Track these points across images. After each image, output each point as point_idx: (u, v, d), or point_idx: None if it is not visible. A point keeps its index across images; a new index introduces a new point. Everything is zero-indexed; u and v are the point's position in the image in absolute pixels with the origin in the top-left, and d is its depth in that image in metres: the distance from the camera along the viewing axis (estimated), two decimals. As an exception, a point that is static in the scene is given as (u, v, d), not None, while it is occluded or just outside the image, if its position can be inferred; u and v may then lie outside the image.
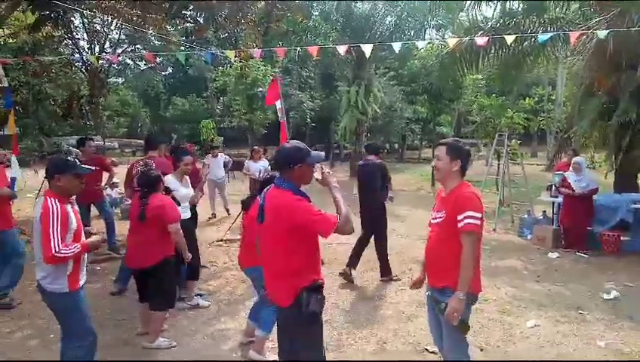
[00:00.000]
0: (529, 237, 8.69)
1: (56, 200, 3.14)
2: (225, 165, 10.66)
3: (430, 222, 3.25)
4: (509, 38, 6.74)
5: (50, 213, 3.05)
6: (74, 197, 3.38)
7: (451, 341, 3.09)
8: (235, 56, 10.71)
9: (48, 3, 7.13)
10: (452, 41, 7.91)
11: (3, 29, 10.13)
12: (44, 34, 10.34)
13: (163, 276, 4.20)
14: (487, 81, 18.33)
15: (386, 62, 24.89)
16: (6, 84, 6.95)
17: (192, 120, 29.98)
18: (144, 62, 37.65)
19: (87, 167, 3.47)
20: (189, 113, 30.95)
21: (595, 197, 7.79)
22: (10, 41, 11.76)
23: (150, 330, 4.31)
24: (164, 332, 4.44)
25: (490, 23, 10.47)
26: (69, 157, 3.47)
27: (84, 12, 10.46)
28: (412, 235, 8.64)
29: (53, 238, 3.01)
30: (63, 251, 3.03)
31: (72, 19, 12.24)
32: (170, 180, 4.96)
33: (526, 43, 9.80)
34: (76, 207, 3.38)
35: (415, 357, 4.19)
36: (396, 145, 34.50)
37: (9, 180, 5.39)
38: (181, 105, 31.46)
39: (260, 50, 8.61)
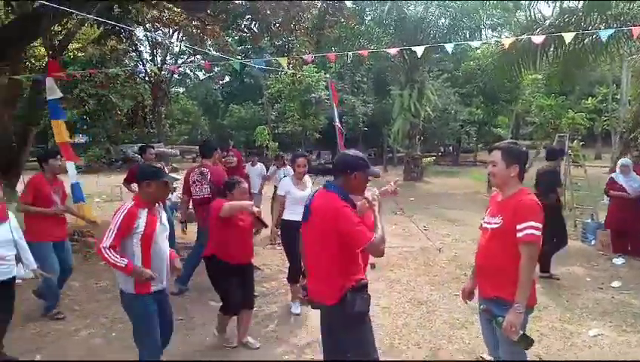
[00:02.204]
0: (593, 242, 8.30)
1: (135, 203, 3.31)
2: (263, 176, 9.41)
3: (483, 226, 3.09)
4: (568, 36, 6.49)
5: (119, 211, 3.25)
6: (159, 204, 3.51)
7: (508, 351, 2.98)
8: (289, 64, 10.90)
9: (110, 19, 7.56)
10: (508, 41, 7.71)
11: (73, 43, 10.84)
12: (110, 47, 11.00)
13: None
14: (547, 81, 17.65)
15: (439, 65, 24.55)
16: (54, 97, 7.27)
17: (248, 127, 30.68)
18: (203, 72, 39.11)
19: (173, 175, 3.71)
20: (245, 120, 31.69)
21: None
22: (80, 54, 12.58)
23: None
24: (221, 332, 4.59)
25: (548, 21, 10.13)
26: (157, 165, 3.70)
27: (147, 25, 11.00)
28: (467, 240, 8.47)
29: (108, 234, 3.18)
30: (109, 252, 3.14)
31: (135, 32, 12.90)
32: (286, 182, 5.27)
33: (587, 40, 9.41)
34: (164, 214, 3.54)
35: (469, 365, 4.13)
36: (451, 148, 33.83)
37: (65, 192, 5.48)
38: (237, 112, 32.25)
39: (312, 55, 8.72)
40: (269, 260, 7.44)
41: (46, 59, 10.28)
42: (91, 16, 7.05)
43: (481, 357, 4.19)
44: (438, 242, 8.43)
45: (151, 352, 3.39)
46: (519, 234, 2.76)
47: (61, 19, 8.51)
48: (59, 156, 5.31)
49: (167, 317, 3.57)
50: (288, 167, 9.01)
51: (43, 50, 10.86)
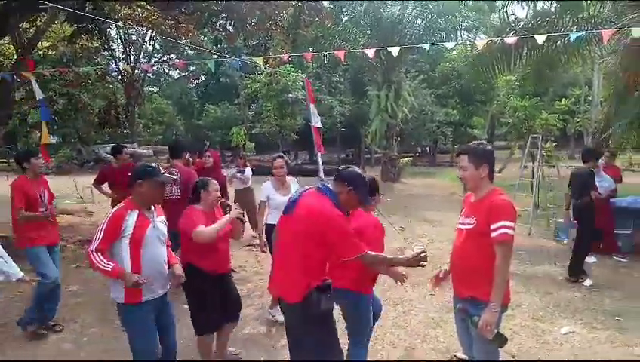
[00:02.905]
0: (565, 241, 8.44)
1: (125, 205, 3.18)
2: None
3: (458, 228, 3.12)
4: (540, 38, 6.59)
5: (109, 215, 3.12)
6: (153, 207, 3.35)
7: (482, 350, 3.01)
8: (265, 63, 10.82)
9: (83, 16, 7.38)
10: (482, 42, 7.80)
11: (42, 41, 10.55)
12: (81, 45, 10.73)
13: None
14: (521, 82, 17.95)
15: (416, 66, 24.79)
16: (41, 97, 7.18)
17: (224, 127, 30.44)
18: (178, 71, 38.65)
19: (168, 175, 3.45)
20: (221, 120, 31.41)
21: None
22: (50, 52, 12.25)
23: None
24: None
25: (521, 23, 10.29)
26: (152, 165, 3.49)
27: (119, 23, 10.77)
28: (444, 240, 8.52)
29: (95, 239, 3.06)
30: (97, 256, 3.03)
31: (108, 30, 12.64)
32: (266, 186, 5.00)
33: (559, 42, 9.58)
34: (161, 218, 3.39)
35: (444, 364, 4.13)
36: (428, 149, 34.16)
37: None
38: (213, 112, 31.96)
39: (289, 55, 8.67)
40: (244, 261, 7.37)
41: (15, 57, 9.98)
42: (64, 8, 6.84)
43: (454, 356, 4.21)
44: (415, 243, 8.46)
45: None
46: (493, 234, 2.77)
47: (30, 16, 8.26)
48: (40, 155, 5.00)
49: (168, 326, 3.43)
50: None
51: (12, 47, 10.54)
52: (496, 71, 11.32)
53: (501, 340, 2.83)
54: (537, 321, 4.99)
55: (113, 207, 3.42)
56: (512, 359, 4.17)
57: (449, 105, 27.12)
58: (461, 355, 4.06)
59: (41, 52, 11.81)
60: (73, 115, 13.77)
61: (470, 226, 2.94)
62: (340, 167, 3.08)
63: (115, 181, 6.60)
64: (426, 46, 7.04)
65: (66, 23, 9.64)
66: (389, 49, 6.99)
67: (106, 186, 6.85)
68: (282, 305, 2.97)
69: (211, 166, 7.23)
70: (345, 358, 3.11)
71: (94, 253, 3.02)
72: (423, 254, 2.98)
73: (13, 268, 3.58)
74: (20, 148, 19.19)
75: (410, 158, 22.75)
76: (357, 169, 3.07)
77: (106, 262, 3.02)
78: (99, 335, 4.72)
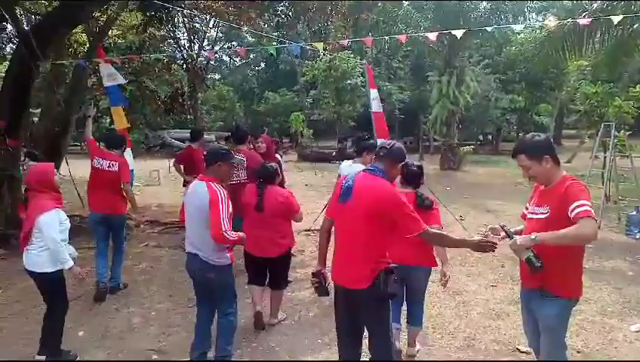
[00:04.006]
0: (638, 236, 7.96)
1: (219, 184, 3.54)
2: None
3: (528, 217, 2.97)
4: (616, 19, 6.16)
5: (220, 197, 3.42)
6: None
7: (549, 343, 2.91)
8: (324, 49, 10.81)
9: (154, 4, 7.64)
10: (553, 23, 7.40)
11: (112, 30, 11.05)
12: (149, 34, 11.15)
13: (287, 262, 4.67)
14: (593, 68, 16.89)
15: (480, 50, 23.87)
16: (122, 81, 7.55)
17: (282, 113, 30.78)
18: (239, 59, 39.41)
19: (239, 157, 3.89)
20: (279, 106, 31.76)
21: None
22: (119, 41, 12.82)
23: (273, 308, 4.62)
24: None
25: (595, 4, 9.67)
26: (226, 148, 3.90)
27: (185, 11, 11.10)
28: (506, 230, 8.25)
29: (223, 219, 3.38)
30: (229, 233, 3.41)
31: (175, 18, 13.06)
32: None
33: (637, 25, 8.91)
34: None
35: (505, 357, 4.02)
36: (490, 137, 33.00)
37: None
38: (272, 99, 32.37)
39: (348, 40, 8.60)
40: (302, 246, 7.46)
41: (87, 46, 10.51)
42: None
43: (517, 348, 4.10)
44: (475, 232, 8.24)
45: (235, 315, 3.76)
46: (573, 213, 2.58)
47: (103, 4, 8.65)
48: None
49: None
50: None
51: (85, 36, 11.11)
52: (567, 55, 10.71)
53: (534, 266, 2.67)
54: (605, 317, 4.76)
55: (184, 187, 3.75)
56: (578, 354, 4.00)
57: (514, 92, 25.96)
58: (524, 348, 3.95)
59: (111, 40, 12.38)
60: (141, 102, 14.36)
61: (543, 215, 2.80)
62: (387, 144, 3.09)
63: (192, 162, 6.85)
64: (492, 28, 6.77)
65: (135, 11, 10.04)
66: (454, 32, 6.78)
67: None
68: (345, 291, 2.98)
69: (265, 151, 7.35)
70: None
71: (227, 233, 3.39)
72: (492, 242, 2.92)
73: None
74: (97, 131, 20.75)
75: (472, 146, 22.00)
76: (397, 143, 3.11)
77: (234, 234, 3.47)
78: (165, 311, 4.96)
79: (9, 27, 9.55)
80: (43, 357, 3.78)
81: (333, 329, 4.42)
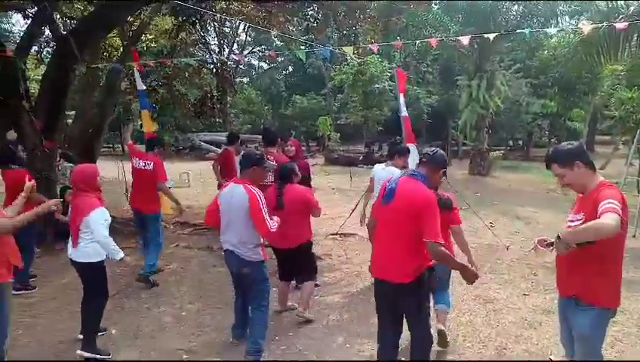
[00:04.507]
0: (678, 245, 7.67)
1: (255, 186, 3.81)
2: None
3: (567, 224, 2.92)
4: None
5: (258, 198, 3.72)
6: None
7: (583, 352, 2.85)
8: (354, 53, 10.79)
9: (186, 9, 7.77)
10: (588, 27, 7.21)
11: (146, 34, 11.28)
12: (180, 38, 11.35)
13: (309, 253, 4.82)
14: (629, 72, 16.41)
15: (511, 54, 23.46)
16: (141, 87, 7.73)
17: (309, 117, 30.83)
18: (267, 62, 39.74)
19: (271, 163, 4.26)
20: (306, 110, 31.84)
21: None
22: (152, 45, 13.09)
23: (303, 300, 4.72)
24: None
25: (632, 8, 9.39)
26: (259, 153, 4.16)
27: (216, 16, 11.24)
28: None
29: (266, 218, 3.72)
30: (273, 225, 3.77)
31: (207, 23, 13.27)
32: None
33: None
34: None
35: (538, 367, 3.92)
36: (521, 142, 32.36)
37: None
38: (300, 102, 32.50)
39: (377, 44, 8.56)
40: (330, 250, 7.45)
41: (121, 50, 10.75)
42: (171, 1, 7.27)
43: (550, 358, 3.99)
44: (506, 239, 8.08)
45: (267, 309, 4.03)
46: (600, 210, 2.52)
47: (137, 9, 8.84)
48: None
49: None
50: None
51: (119, 40, 11.37)
52: (602, 59, 10.45)
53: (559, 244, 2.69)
54: (643, 330, 4.59)
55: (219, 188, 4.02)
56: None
57: (547, 96, 25.39)
58: (556, 358, 3.86)
59: (144, 44, 12.63)
60: (171, 105, 14.65)
61: (579, 222, 2.76)
62: (430, 151, 3.23)
63: (227, 164, 7.30)
64: (525, 32, 6.68)
65: (168, 16, 10.23)
66: (486, 35, 6.69)
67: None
68: (386, 285, 3.19)
69: (294, 155, 7.39)
70: None
71: (273, 228, 3.77)
72: (475, 273, 3.16)
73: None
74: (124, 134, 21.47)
75: (502, 152, 21.61)
76: (439, 150, 3.27)
77: (274, 223, 3.81)
78: (195, 311, 5.02)
79: (47, 31, 9.82)
80: (85, 353, 3.91)
81: (362, 334, 4.45)
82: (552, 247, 2.91)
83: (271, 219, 3.80)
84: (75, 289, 4.58)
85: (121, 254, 3.82)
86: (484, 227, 8.58)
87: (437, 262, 3.14)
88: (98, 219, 3.78)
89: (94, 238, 3.78)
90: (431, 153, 3.20)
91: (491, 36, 6.61)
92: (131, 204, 6.13)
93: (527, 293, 5.57)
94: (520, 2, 17.47)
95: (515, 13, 17.88)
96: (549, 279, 5.99)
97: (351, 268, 6.50)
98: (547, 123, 27.79)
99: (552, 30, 13.53)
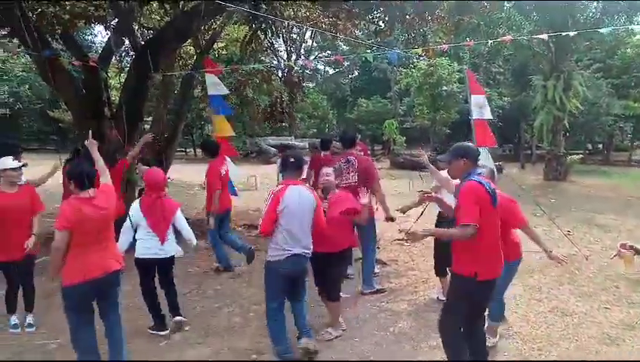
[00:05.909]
0: None
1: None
2: None
3: None
4: None
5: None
6: None
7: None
8: (422, 54, 10.59)
9: (257, 17, 7.94)
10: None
11: (218, 42, 11.69)
12: (252, 47, 11.64)
13: (335, 264, 4.51)
14: None
15: (589, 53, 22.14)
16: (213, 93, 7.96)
17: (375, 120, 30.65)
18: (333, 67, 39.97)
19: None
20: (372, 114, 31.68)
21: None
22: (223, 52, 13.53)
23: (331, 319, 4.58)
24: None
25: None
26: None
27: (287, 22, 11.43)
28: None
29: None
30: None
31: (280, 30, 13.53)
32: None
33: None
34: None
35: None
36: (601, 146, 30.43)
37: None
38: (365, 106, 32.39)
39: (448, 44, 8.34)
40: (396, 256, 7.34)
41: (195, 58, 11.20)
42: (248, 10, 7.44)
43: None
44: (585, 249, 7.61)
45: None
46: None
47: (211, 17, 9.16)
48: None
49: None
50: None
51: (192, 49, 11.85)
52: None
53: None
54: None
55: None
56: None
57: (629, 97, 23.69)
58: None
59: (215, 52, 13.09)
60: (242, 111, 15.06)
61: None
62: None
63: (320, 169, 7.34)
64: (605, 31, 6.27)
65: (239, 24, 10.53)
66: (564, 33, 6.35)
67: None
68: (493, 284, 3.40)
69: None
70: None
71: None
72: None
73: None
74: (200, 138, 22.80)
75: (580, 156, 20.38)
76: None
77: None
78: (262, 312, 5.05)
79: (127, 42, 10.41)
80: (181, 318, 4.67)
81: (429, 342, 4.34)
82: (634, 252, 2.72)
83: None
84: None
85: (195, 240, 4.76)
86: (562, 235, 8.11)
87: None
88: (181, 216, 4.62)
89: (183, 230, 4.60)
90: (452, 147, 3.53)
91: (571, 34, 6.26)
92: (221, 203, 6.42)
93: (608, 306, 5.22)
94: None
95: (594, 10, 16.84)
96: (632, 292, 5.59)
97: (418, 275, 6.38)
98: (630, 126, 25.95)
99: (637, 27, 12.60)
